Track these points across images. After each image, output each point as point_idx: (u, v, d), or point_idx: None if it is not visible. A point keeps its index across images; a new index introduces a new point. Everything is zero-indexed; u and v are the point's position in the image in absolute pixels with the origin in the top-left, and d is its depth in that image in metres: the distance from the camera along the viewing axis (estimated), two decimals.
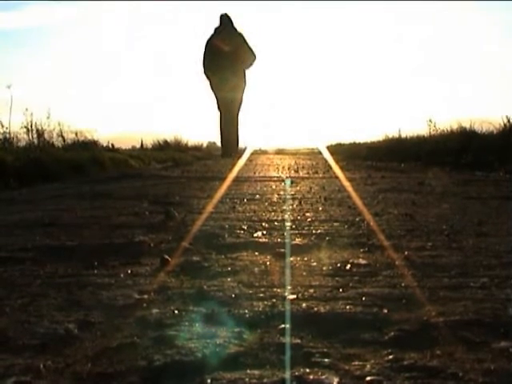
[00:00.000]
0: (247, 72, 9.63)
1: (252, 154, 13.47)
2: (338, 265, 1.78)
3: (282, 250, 2.01)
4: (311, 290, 1.48)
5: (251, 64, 9.45)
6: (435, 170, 6.75)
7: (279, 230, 2.46)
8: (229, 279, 1.63)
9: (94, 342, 1.14)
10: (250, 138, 13.33)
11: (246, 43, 9.25)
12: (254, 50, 9.32)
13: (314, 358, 1.04)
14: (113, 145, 11.57)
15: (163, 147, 15.66)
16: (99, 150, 9.63)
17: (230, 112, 10.03)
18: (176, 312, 1.31)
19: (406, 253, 1.91)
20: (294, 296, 1.42)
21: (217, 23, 9.14)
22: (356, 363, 1.01)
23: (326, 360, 1.02)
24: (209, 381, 0.94)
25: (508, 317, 1.23)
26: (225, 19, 9.03)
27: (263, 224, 2.64)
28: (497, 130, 8.11)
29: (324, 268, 1.75)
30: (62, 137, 9.18)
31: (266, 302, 1.38)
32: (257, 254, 1.98)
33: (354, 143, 15.76)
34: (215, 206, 3.41)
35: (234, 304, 1.37)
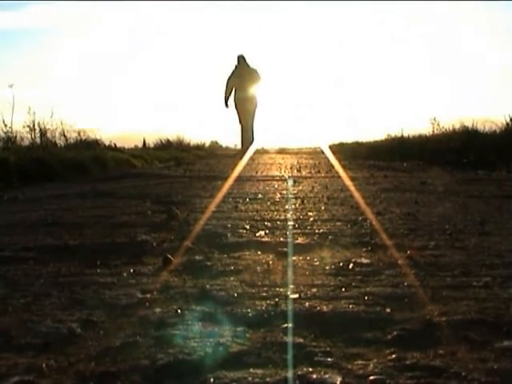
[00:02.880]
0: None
1: (254, 153, 13.48)
2: (341, 264, 1.78)
3: (285, 250, 2.01)
4: (314, 290, 1.48)
5: (258, 84, 12.56)
6: (437, 170, 6.75)
7: (282, 230, 2.46)
8: (231, 278, 1.63)
9: (97, 341, 1.14)
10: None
11: (257, 72, 12.42)
12: (260, 74, 12.48)
13: (316, 357, 1.04)
14: (115, 144, 11.58)
15: (166, 146, 15.66)
16: (101, 149, 9.63)
17: (248, 109, 12.50)
18: (179, 311, 1.31)
19: (408, 252, 1.90)
20: (297, 295, 1.42)
21: (235, 61, 12.44)
22: (359, 362, 1.01)
23: (329, 359, 1.02)
24: (211, 380, 0.94)
25: (511, 316, 1.23)
26: (241, 59, 12.16)
27: (266, 223, 2.64)
28: (499, 129, 8.11)
29: (326, 267, 1.75)
30: (65, 136, 9.18)
31: (268, 302, 1.38)
32: (259, 253, 1.98)
33: (357, 142, 15.73)
34: (218, 205, 3.41)
35: (237, 303, 1.37)
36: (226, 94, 12.39)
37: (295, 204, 3.44)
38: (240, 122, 12.76)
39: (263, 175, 6.51)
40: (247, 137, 12.85)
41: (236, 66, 12.28)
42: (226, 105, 12.46)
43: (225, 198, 3.85)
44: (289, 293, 1.45)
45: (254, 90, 12.38)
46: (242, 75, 12.19)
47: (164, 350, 1.07)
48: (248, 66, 12.30)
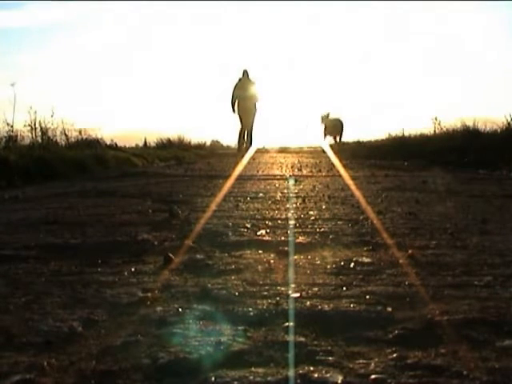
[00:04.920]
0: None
1: (255, 152, 13.50)
2: (342, 263, 1.78)
3: (286, 249, 2.01)
4: (315, 288, 1.48)
5: (259, 98, 14.09)
6: (439, 169, 6.74)
7: (283, 228, 2.45)
8: (232, 277, 1.63)
9: (98, 339, 1.14)
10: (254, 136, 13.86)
11: (257, 87, 14.14)
12: (259, 86, 14.14)
13: (318, 356, 1.03)
14: (116, 143, 11.60)
15: (166, 145, 15.69)
16: (103, 148, 9.64)
17: (249, 107, 13.76)
18: (180, 310, 1.31)
19: (409, 251, 1.90)
20: (298, 294, 1.42)
21: (240, 74, 14.05)
22: (360, 361, 1.01)
23: (330, 358, 1.02)
24: (213, 379, 0.94)
25: None
26: (245, 73, 13.87)
27: (267, 222, 2.64)
28: (500, 128, 8.11)
29: (328, 266, 1.75)
30: (66, 135, 9.18)
31: (269, 300, 1.38)
32: (260, 252, 1.98)
33: (358, 142, 15.75)
34: (219, 204, 3.41)
35: (238, 302, 1.37)
36: (232, 100, 13.85)
37: (296, 203, 3.44)
38: (241, 121, 13.97)
39: (264, 174, 6.51)
40: (245, 139, 14.04)
41: (240, 79, 14.03)
42: (233, 110, 13.89)
43: (226, 196, 3.85)
44: (290, 292, 1.45)
45: (255, 93, 13.89)
46: (244, 82, 13.89)
47: (165, 348, 1.07)
48: (250, 79, 14.04)
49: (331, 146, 14.90)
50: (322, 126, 15.00)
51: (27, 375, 0.95)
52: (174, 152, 13.38)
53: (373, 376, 0.94)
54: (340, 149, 13.94)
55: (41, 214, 3.04)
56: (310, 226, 2.50)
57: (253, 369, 0.98)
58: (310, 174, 6.49)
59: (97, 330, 1.20)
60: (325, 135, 15.07)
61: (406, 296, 1.40)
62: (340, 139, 14.98)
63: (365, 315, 1.26)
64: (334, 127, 14.86)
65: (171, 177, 6.17)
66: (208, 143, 21.94)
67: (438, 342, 1.10)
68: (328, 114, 14.85)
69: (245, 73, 14.05)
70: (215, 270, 1.72)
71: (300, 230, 2.40)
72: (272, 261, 1.84)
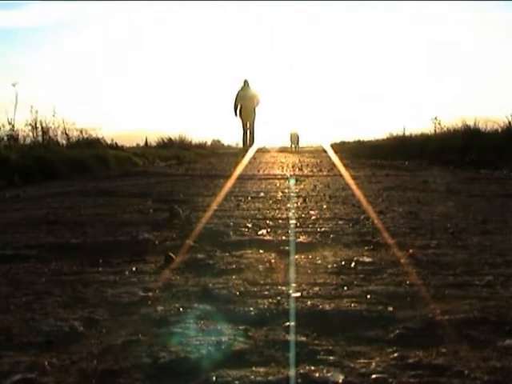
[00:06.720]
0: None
1: (256, 152, 13.51)
2: (343, 263, 1.78)
3: (287, 248, 2.01)
4: (316, 288, 1.48)
5: (258, 103, 15.23)
6: (439, 168, 6.74)
7: (284, 228, 2.45)
8: (233, 277, 1.63)
9: (99, 339, 1.14)
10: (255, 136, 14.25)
11: (257, 94, 15.27)
12: (259, 95, 15.45)
13: (319, 355, 1.03)
14: (117, 143, 11.59)
15: (167, 145, 15.70)
16: (103, 147, 9.64)
17: (249, 107, 14.89)
18: (181, 309, 1.31)
19: (410, 251, 1.90)
20: (299, 294, 1.42)
21: (241, 84, 15.27)
22: (361, 361, 1.01)
23: (331, 358, 1.02)
24: (214, 378, 0.94)
25: None
26: (246, 82, 15.03)
27: (268, 222, 2.63)
28: (501, 128, 8.11)
29: (329, 266, 1.75)
30: (67, 134, 9.18)
31: (270, 300, 1.37)
32: (261, 251, 1.98)
33: (359, 141, 15.78)
34: (220, 203, 3.41)
35: (239, 302, 1.37)
36: (235, 103, 14.88)
37: (297, 202, 3.44)
38: (242, 120, 14.79)
39: (265, 174, 6.51)
40: (248, 137, 14.88)
41: (242, 87, 15.15)
42: (236, 113, 14.94)
43: (227, 196, 3.85)
44: (291, 291, 1.45)
45: (255, 94, 15.09)
46: (246, 90, 15.05)
47: (166, 348, 1.07)
48: (250, 88, 15.22)
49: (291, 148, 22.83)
50: (289, 136, 24.70)
51: (28, 375, 0.95)
52: (174, 151, 13.38)
53: (374, 375, 0.94)
54: (297, 150, 22.74)
55: (41, 213, 3.04)
56: (310, 226, 2.50)
57: (254, 368, 0.98)
58: (311, 173, 6.49)
59: (98, 329, 1.20)
60: (291, 141, 25.04)
61: (406, 295, 1.40)
62: (298, 144, 25.39)
63: (366, 315, 1.26)
64: (294, 137, 24.85)
65: (172, 176, 6.17)
66: (209, 143, 22.04)
67: (439, 341, 1.10)
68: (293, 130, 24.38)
69: (245, 82, 15.22)
70: (216, 270, 1.72)
71: (301, 230, 2.40)
72: (273, 260, 1.84)
